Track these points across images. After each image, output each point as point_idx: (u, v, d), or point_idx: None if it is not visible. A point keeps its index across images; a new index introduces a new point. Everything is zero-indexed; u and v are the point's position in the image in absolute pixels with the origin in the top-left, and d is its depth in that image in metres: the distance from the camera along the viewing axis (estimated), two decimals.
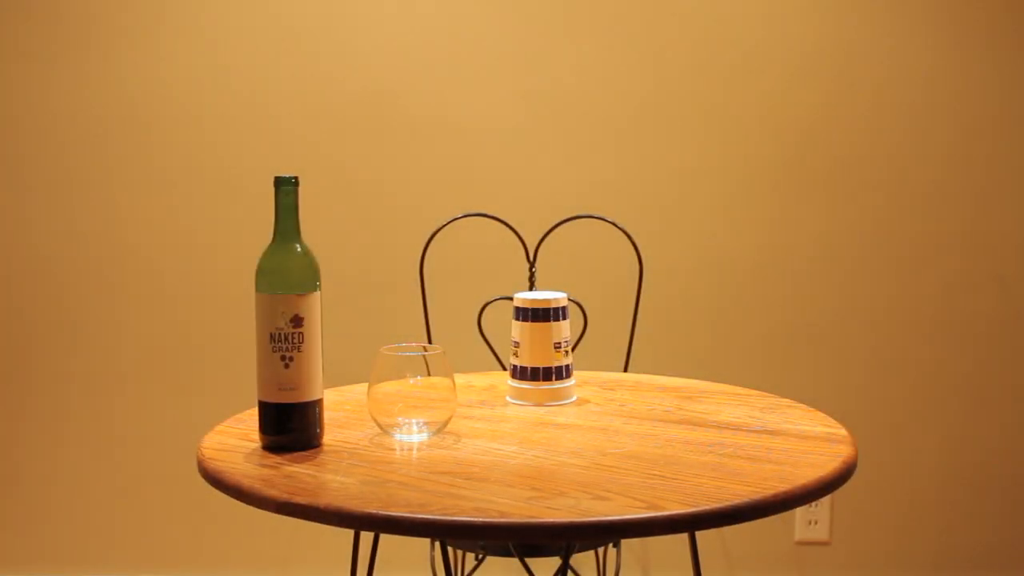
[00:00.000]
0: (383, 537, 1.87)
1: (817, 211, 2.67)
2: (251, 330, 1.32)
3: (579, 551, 2.04)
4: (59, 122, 2.65)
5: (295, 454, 1.31)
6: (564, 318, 1.58)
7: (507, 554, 2.00)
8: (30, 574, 2.75)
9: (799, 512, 2.71)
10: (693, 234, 2.65)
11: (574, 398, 1.60)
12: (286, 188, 1.33)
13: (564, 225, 2.16)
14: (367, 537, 1.90)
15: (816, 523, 2.71)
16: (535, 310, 1.57)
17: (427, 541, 2.32)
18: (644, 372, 2.05)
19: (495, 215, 2.18)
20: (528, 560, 1.88)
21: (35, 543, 2.75)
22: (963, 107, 2.65)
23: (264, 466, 1.27)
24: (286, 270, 1.32)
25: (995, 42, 2.63)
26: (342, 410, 1.53)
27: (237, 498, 1.20)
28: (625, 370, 2.15)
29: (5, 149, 2.67)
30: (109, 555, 2.74)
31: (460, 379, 1.68)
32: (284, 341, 1.30)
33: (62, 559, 2.75)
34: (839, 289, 2.69)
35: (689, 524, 1.10)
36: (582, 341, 2.09)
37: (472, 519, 1.08)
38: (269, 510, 1.16)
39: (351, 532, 1.79)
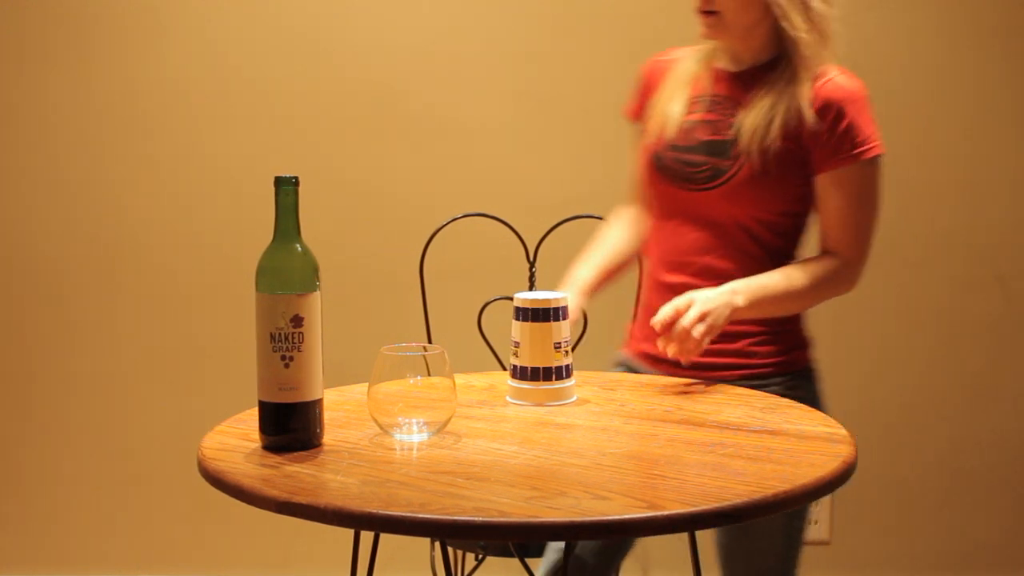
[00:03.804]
0: (383, 537, 1.87)
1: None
2: (251, 330, 1.32)
3: None
4: (59, 121, 2.65)
5: (295, 454, 1.31)
6: (564, 318, 1.58)
7: (507, 554, 2.00)
8: (30, 574, 2.76)
9: None
10: None
11: (574, 398, 1.60)
12: (286, 188, 1.33)
13: (564, 225, 2.16)
14: (367, 537, 1.90)
15: (816, 523, 2.71)
16: (535, 310, 1.57)
17: (427, 541, 2.33)
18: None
19: (495, 215, 2.18)
20: (528, 560, 1.88)
21: (35, 543, 2.75)
22: (962, 106, 2.65)
23: (264, 466, 1.27)
24: (286, 270, 1.32)
25: (995, 42, 2.63)
26: (342, 410, 1.53)
27: (238, 498, 1.21)
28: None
29: (5, 149, 2.67)
30: (109, 555, 2.74)
31: (460, 379, 1.67)
32: (284, 341, 1.30)
33: (62, 559, 2.75)
34: None
35: (689, 524, 1.10)
36: (582, 341, 2.09)
37: (472, 519, 1.08)
38: (269, 510, 1.16)
39: (351, 532, 1.79)
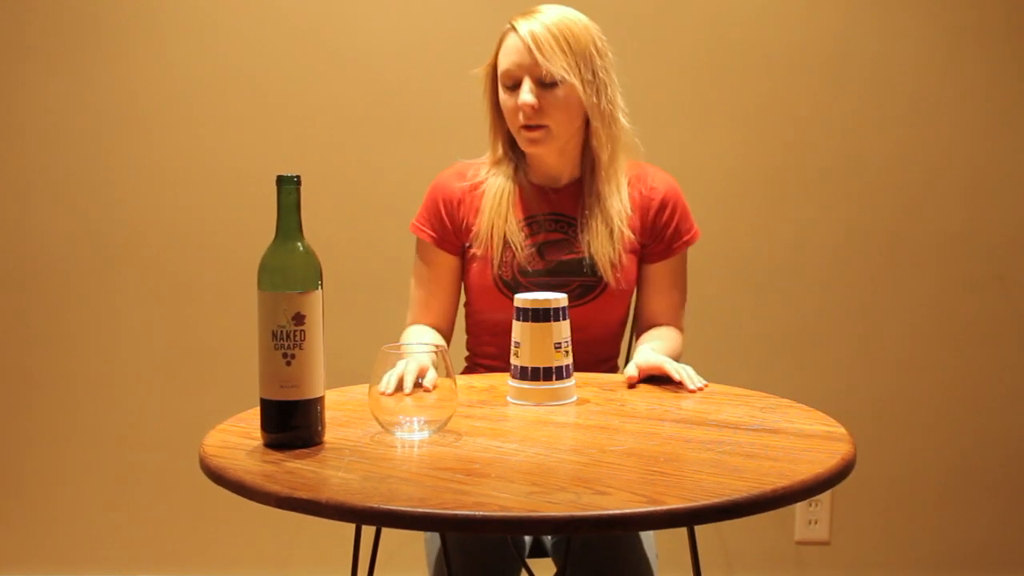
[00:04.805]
0: (383, 537, 1.87)
1: (816, 211, 2.67)
2: (253, 328, 1.33)
3: None
4: (60, 121, 2.66)
5: (297, 451, 1.32)
6: (564, 318, 1.59)
7: None
8: (30, 574, 2.76)
9: (799, 512, 2.71)
10: None
11: (574, 398, 1.60)
12: (288, 187, 1.33)
13: None
14: (368, 536, 1.90)
15: (816, 523, 2.72)
16: (535, 310, 1.58)
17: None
18: None
19: None
20: (528, 560, 1.88)
21: (35, 543, 2.76)
22: (962, 106, 2.66)
23: (266, 462, 1.27)
24: (288, 268, 1.32)
25: (994, 42, 2.64)
26: (343, 409, 1.54)
27: (239, 493, 1.21)
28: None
29: (7, 148, 2.68)
30: (109, 555, 2.75)
31: (460, 379, 1.68)
32: (286, 339, 1.31)
33: (62, 559, 2.75)
34: (839, 289, 2.69)
35: (688, 518, 1.11)
36: None
37: (473, 513, 1.08)
38: (271, 505, 1.17)
39: (351, 532, 1.79)
